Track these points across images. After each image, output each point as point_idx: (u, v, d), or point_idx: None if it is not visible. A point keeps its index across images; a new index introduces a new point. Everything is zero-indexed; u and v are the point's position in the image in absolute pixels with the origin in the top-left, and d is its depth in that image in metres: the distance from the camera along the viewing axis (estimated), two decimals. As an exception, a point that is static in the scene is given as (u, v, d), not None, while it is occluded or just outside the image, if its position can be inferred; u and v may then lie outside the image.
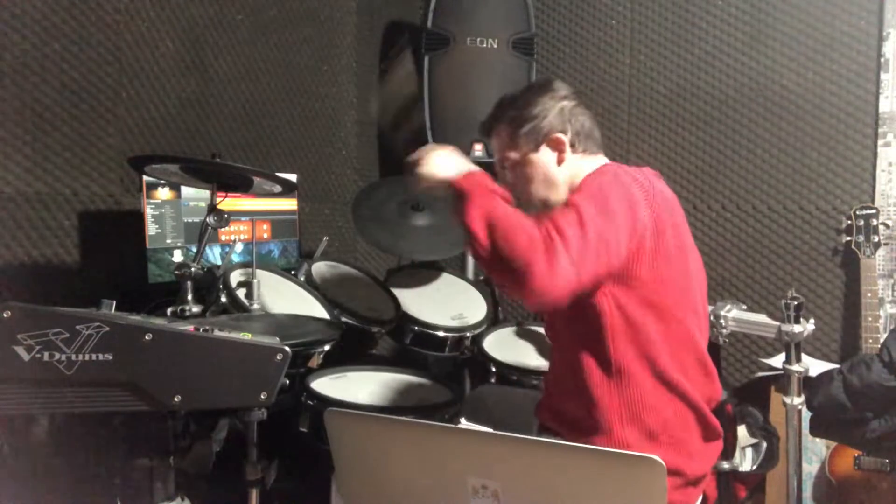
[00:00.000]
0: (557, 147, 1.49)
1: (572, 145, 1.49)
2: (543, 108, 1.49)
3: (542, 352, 2.23)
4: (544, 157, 1.50)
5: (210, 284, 1.77)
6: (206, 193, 1.78)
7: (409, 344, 2.16)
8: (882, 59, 2.42)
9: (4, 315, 1.04)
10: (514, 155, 1.52)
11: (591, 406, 1.40)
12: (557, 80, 1.56)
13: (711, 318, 1.69)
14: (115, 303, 1.22)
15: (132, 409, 1.10)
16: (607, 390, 1.39)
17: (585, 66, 2.92)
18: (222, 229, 2.03)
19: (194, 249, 1.85)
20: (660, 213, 1.35)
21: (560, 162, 1.49)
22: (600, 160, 1.53)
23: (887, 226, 2.35)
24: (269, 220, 2.35)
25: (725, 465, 1.56)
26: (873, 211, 2.33)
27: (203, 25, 2.32)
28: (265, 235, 2.34)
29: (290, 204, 2.43)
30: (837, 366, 2.04)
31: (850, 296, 2.46)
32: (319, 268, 2.21)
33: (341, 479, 1.11)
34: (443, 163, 1.43)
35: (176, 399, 1.12)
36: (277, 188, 1.83)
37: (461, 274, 2.68)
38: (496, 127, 1.55)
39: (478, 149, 2.74)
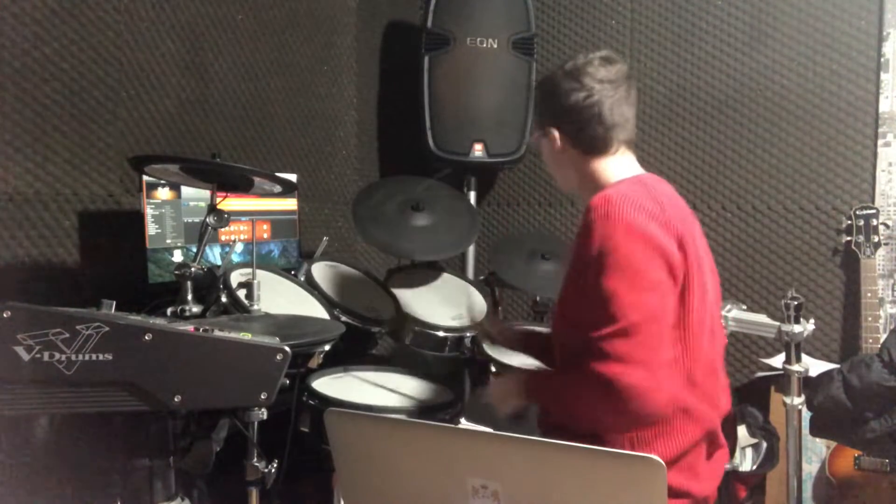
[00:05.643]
0: (551, 140, 1.46)
1: (571, 144, 1.43)
2: (553, 98, 1.44)
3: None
4: (547, 145, 1.49)
5: (210, 284, 1.77)
6: (206, 193, 1.78)
7: (409, 344, 2.16)
8: (882, 59, 2.41)
9: (4, 315, 1.03)
10: (535, 132, 1.54)
11: (596, 431, 1.33)
12: (593, 66, 1.40)
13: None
14: (115, 303, 1.22)
15: (132, 409, 1.10)
16: None
17: (585, 66, 2.91)
18: (222, 229, 2.04)
19: (194, 249, 1.85)
20: (684, 240, 1.28)
21: (559, 154, 1.46)
22: (613, 163, 1.43)
23: (887, 226, 2.34)
24: (269, 220, 2.35)
25: (726, 465, 1.55)
26: (873, 211, 2.33)
27: (203, 25, 2.32)
28: (265, 235, 2.34)
29: (290, 204, 2.43)
30: (837, 366, 2.04)
31: (850, 296, 2.46)
32: (319, 268, 2.21)
33: (341, 480, 1.11)
34: (503, 399, 1.51)
35: (176, 399, 1.12)
36: (277, 188, 1.83)
37: (461, 274, 2.68)
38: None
39: (478, 149, 2.74)
